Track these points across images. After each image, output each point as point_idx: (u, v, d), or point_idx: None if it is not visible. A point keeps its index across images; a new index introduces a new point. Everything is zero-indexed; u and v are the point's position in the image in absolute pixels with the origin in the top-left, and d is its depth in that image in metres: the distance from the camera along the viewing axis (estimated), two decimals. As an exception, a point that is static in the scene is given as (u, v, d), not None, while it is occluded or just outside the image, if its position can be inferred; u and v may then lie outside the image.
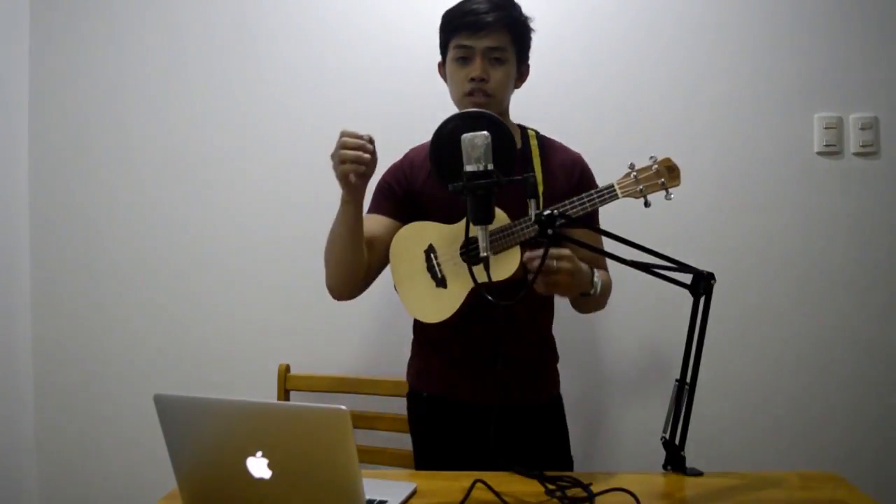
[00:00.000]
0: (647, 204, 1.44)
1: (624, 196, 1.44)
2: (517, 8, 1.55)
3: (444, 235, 1.52)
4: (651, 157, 1.44)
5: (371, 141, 1.40)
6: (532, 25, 1.58)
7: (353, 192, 1.43)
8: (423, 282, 1.52)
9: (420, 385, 1.64)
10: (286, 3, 2.13)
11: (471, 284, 1.46)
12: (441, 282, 1.51)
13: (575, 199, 1.43)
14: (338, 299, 1.57)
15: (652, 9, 2.05)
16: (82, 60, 2.17)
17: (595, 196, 1.43)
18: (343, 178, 1.40)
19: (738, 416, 2.05)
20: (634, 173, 1.44)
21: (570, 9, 2.06)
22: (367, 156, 1.38)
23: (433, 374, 1.61)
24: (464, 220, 1.46)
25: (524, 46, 1.57)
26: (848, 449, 2.03)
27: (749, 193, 2.05)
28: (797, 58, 2.03)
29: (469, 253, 1.46)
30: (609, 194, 1.43)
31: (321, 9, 2.11)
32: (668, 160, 1.44)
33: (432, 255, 1.52)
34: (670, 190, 1.44)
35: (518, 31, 1.54)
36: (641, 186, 1.43)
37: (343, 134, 1.39)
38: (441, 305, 1.50)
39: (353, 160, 1.38)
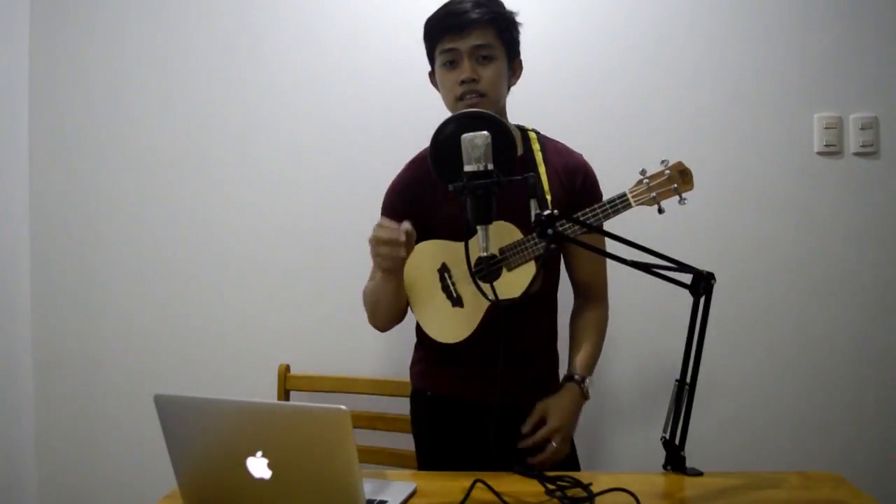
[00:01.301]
0: (660, 210, 1.39)
1: (637, 205, 1.39)
2: (499, 3, 1.53)
3: (455, 253, 1.50)
4: (663, 162, 1.39)
5: (407, 232, 1.37)
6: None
7: (389, 274, 1.45)
8: (439, 302, 1.52)
9: (424, 385, 1.63)
10: (287, 3, 2.13)
11: (487, 302, 1.46)
12: (457, 301, 1.50)
13: (588, 210, 1.40)
14: (381, 332, 1.64)
15: (651, 9, 2.05)
16: (82, 60, 2.17)
17: (608, 207, 1.39)
18: (379, 267, 1.44)
19: (738, 416, 2.05)
20: (647, 180, 1.39)
21: (569, 9, 2.06)
22: (400, 253, 1.38)
23: (437, 374, 1.61)
24: (474, 238, 1.46)
25: (512, 41, 1.54)
26: (848, 449, 2.03)
27: (749, 193, 2.05)
28: (797, 58, 2.03)
29: (482, 272, 1.46)
30: (622, 204, 1.39)
31: (323, 8, 2.11)
32: (680, 164, 1.39)
33: (446, 275, 1.52)
34: (684, 195, 1.39)
35: (503, 26, 1.51)
36: (654, 194, 1.38)
37: (378, 225, 1.39)
38: (459, 325, 1.50)
39: (385, 256, 1.39)
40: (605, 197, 1.46)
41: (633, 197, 1.39)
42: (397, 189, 1.61)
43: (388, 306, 1.54)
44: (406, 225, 1.38)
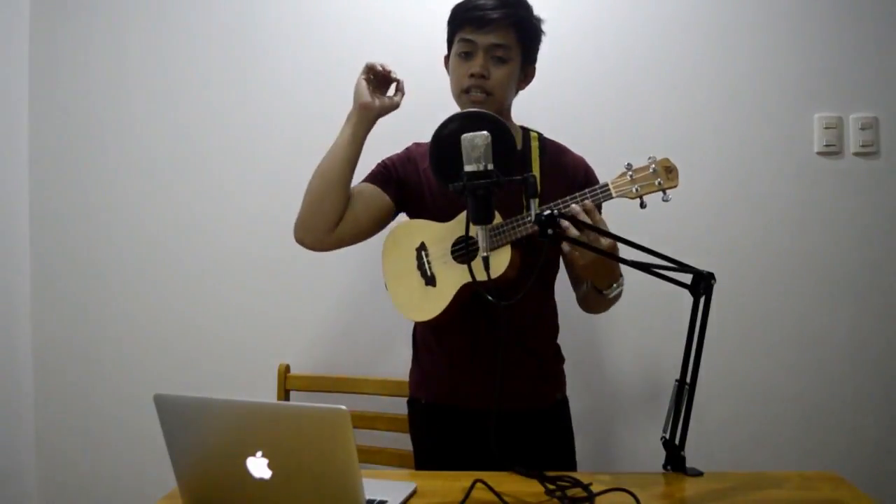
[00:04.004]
0: (643, 205, 1.42)
1: (618, 196, 1.42)
2: (526, 8, 1.53)
3: (435, 233, 1.51)
4: (650, 158, 1.42)
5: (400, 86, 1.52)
6: (542, 28, 1.56)
7: (362, 100, 1.49)
8: (412, 280, 1.52)
9: (420, 393, 1.63)
10: (288, 2, 2.12)
11: (459, 283, 1.46)
12: (430, 280, 1.50)
13: (568, 198, 1.41)
14: (302, 240, 1.55)
15: (651, 8, 2.05)
16: (82, 60, 2.17)
17: (588, 194, 1.41)
18: (363, 74, 1.49)
19: (738, 416, 2.05)
20: (631, 173, 1.42)
21: (569, 8, 2.06)
22: (395, 75, 1.50)
23: (433, 381, 1.60)
24: (456, 219, 1.48)
25: (531, 48, 1.55)
26: (848, 449, 2.03)
27: (749, 193, 2.05)
28: (797, 58, 2.03)
29: (461, 251, 1.45)
30: (603, 193, 1.41)
31: (325, 7, 2.11)
32: (666, 160, 1.42)
33: (423, 253, 1.52)
34: (668, 191, 1.41)
35: (524, 31, 1.52)
36: (637, 187, 1.41)
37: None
38: (429, 304, 1.49)
39: (376, 67, 1.49)
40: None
41: (614, 188, 1.42)
42: (396, 155, 1.64)
43: (327, 169, 1.50)
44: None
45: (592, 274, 1.43)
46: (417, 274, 1.52)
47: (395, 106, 1.52)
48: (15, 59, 2.14)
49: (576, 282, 1.64)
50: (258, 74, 2.13)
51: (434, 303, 1.49)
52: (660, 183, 1.41)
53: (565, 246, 1.36)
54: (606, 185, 1.42)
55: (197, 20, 2.15)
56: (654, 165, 1.42)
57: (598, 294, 1.48)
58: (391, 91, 1.53)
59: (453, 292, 1.47)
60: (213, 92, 2.14)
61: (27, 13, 2.16)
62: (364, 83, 1.50)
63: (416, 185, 1.58)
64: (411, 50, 2.02)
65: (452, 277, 1.47)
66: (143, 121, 2.16)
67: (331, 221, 1.52)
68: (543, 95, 2.00)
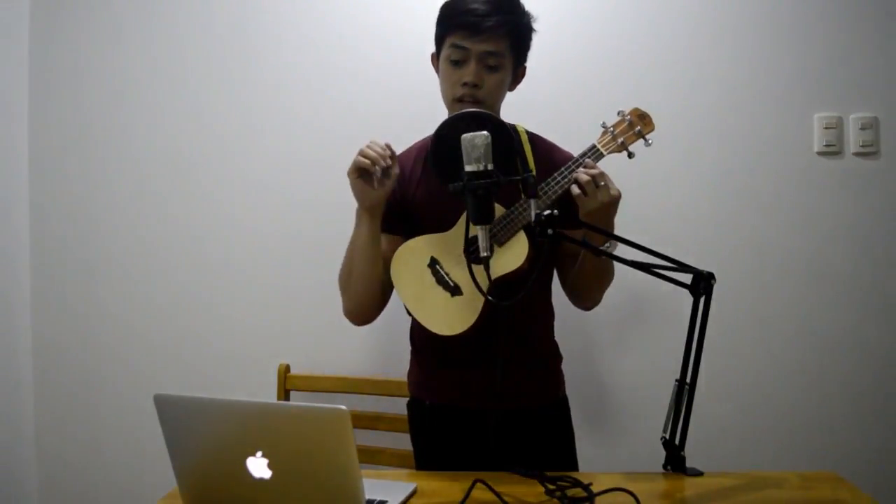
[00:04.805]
0: (630, 155, 1.46)
1: (608, 153, 1.45)
2: (519, 11, 1.50)
3: (442, 244, 1.49)
4: (619, 112, 1.47)
5: (392, 156, 1.44)
6: (533, 25, 1.54)
7: (367, 204, 1.45)
8: (437, 296, 1.49)
9: (422, 394, 1.61)
10: (286, 3, 2.13)
11: (485, 283, 1.44)
12: (456, 290, 1.48)
13: (563, 168, 1.42)
14: (358, 324, 1.59)
15: (651, 8, 2.05)
16: (82, 60, 2.17)
17: (580, 160, 1.43)
18: (354, 175, 1.42)
19: (738, 416, 2.05)
20: (611, 129, 1.46)
21: (568, 7, 2.06)
22: (387, 159, 1.42)
23: (435, 382, 1.59)
24: (457, 225, 1.46)
25: (522, 50, 1.53)
26: (848, 449, 2.03)
27: (749, 193, 2.05)
28: (797, 58, 2.03)
29: (473, 252, 1.45)
30: (594, 154, 1.44)
31: (321, 7, 2.12)
32: (636, 109, 1.48)
33: (438, 267, 1.50)
34: (647, 136, 1.47)
35: (517, 36, 1.49)
36: (622, 139, 1.46)
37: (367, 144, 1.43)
38: (463, 313, 1.46)
39: (370, 157, 1.40)
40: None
41: (602, 146, 1.46)
42: None
43: (362, 272, 1.50)
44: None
45: (594, 218, 1.42)
46: (440, 289, 1.49)
47: (396, 176, 1.46)
48: (15, 60, 2.15)
49: (565, 272, 1.62)
50: (257, 76, 2.13)
51: (468, 309, 1.46)
52: (639, 131, 1.47)
53: (574, 189, 1.39)
54: (594, 146, 1.45)
55: (197, 20, 2.15)
56: (628, 117, 1.48)
57: (593, 255, 1.46)
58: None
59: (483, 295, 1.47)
60: (213, 92, 2.14)
61: (27, 13, 2.16)
62: (359, 183, 1.43)
63: (411, 199, 1.56)
64: (408, 51, 2.02)
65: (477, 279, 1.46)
66: (144, 121, 2.16)
67: (381, 304, 1.57)
68: (543, 95, 2.01)
